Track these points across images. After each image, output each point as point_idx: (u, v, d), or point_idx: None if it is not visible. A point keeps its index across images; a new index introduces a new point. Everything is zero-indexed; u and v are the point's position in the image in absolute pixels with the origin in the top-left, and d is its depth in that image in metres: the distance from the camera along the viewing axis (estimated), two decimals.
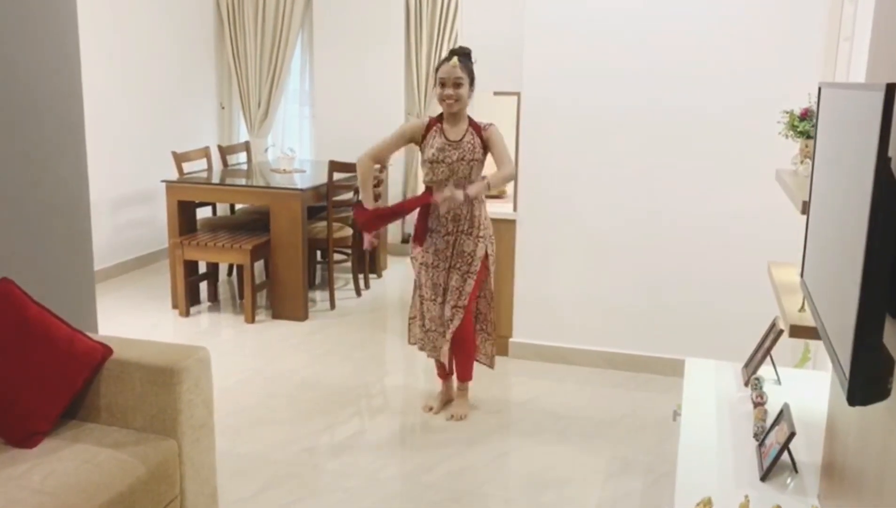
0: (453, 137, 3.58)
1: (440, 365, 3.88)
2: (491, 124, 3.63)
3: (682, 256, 4.29)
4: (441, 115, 3.63)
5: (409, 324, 3.91)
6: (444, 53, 6.73)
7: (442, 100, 3.55)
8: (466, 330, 3.73)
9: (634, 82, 4.19)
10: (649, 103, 4.19)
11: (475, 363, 3.87)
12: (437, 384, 4.00)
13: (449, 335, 3.70)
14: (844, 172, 1.40)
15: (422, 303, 3.75)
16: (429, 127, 3.64)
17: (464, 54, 3.58)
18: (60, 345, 2.43)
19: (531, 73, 4.33)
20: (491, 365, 3.89)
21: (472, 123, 3.61)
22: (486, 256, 3.68)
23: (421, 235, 3.71)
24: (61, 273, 3.06)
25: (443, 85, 3.53)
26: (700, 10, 4.05)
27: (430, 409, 3.89)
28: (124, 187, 6.31)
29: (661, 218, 4.29)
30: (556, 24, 4.25)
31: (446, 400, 3.94)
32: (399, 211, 3.95)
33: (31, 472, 2.18)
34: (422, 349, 3.83)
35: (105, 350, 2.49)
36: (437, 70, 3.58)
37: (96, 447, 2.33)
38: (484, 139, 3.59)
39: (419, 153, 3.74)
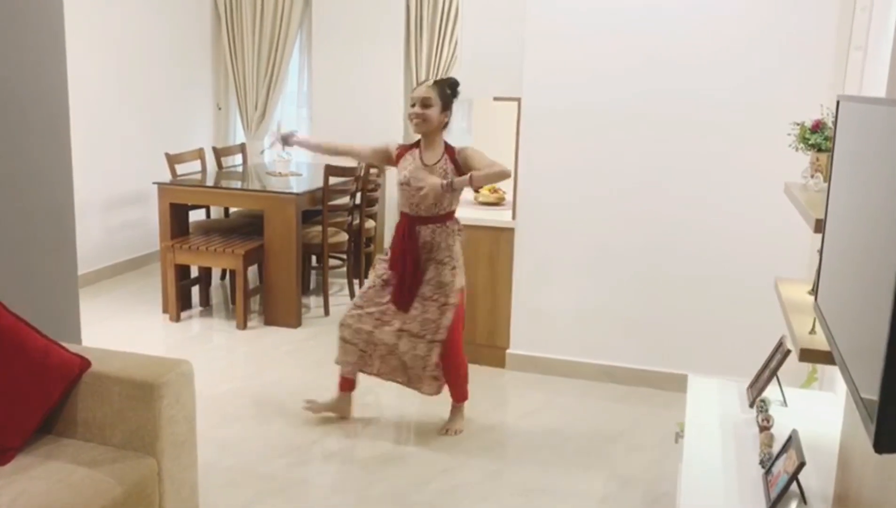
0: (428, 161, 3.55)
1: (345, 377, 3.75)
2: (465, 147, 3.58)
3: (683, 267, 4.19)
4: (419, 141, 3.60)
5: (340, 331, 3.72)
6: (445, 56, 6.68)
7: (410, 118, 3.55)
8: (455, 353, 3.63)
9: (636, 90, 4.09)
10: (651, 111, 4.09)
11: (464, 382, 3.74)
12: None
13: (429, 373, 3.60)
14: (870, 193, 1.30)
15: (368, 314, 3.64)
16: (406, 150, 3.62)
17: (443, 81, 3.55)
18: (35, 357, 2.32)
19: (531, 78, 4.23)
20: (432, 393, 3.69)
21: (447, 147, 3.57)
22: (462, 288, 3.61)
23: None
24: (43, 280, 2.95)
25: (412, 104, 3.53)
26: (705, 19, 3.94)
27: (310, 407, 3.78)
28: (116, 188, 6.20)
29: (664, 228, 4.18)
30: (558, 31, 4.15)
31: (333, 410, 3.79)
32: (402, 266, 3.58)
33: (1, 492, 2.07)
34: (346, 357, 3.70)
35: (82, 363, 2.39)
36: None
37: (71, 465, 2.23)
38: (459, 162, 3.52)
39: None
